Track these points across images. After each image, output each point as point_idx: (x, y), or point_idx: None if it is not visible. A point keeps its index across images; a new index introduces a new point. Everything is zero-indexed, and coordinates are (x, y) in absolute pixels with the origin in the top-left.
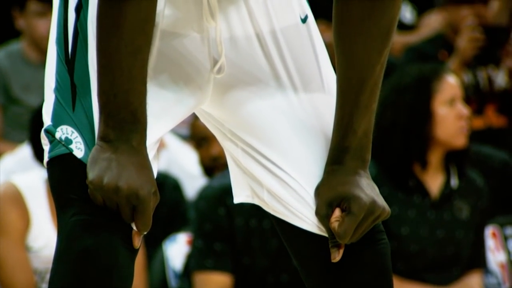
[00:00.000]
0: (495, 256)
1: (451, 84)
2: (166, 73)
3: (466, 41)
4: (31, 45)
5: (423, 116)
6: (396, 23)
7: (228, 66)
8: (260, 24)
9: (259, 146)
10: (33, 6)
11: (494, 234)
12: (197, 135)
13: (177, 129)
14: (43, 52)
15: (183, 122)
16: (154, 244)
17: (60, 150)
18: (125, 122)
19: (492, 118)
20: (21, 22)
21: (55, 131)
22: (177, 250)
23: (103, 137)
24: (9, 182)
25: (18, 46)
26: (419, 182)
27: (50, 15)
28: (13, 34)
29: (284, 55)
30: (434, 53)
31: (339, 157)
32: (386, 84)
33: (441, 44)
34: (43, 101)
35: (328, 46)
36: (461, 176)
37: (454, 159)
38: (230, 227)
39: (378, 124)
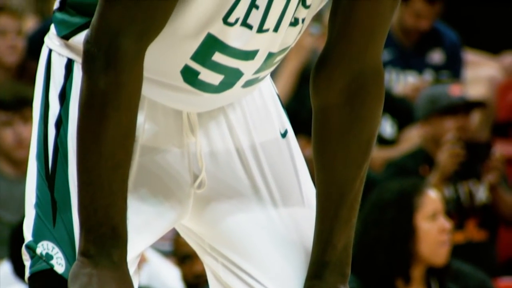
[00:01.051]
0: None
1: (432, 198)
2: (146, 187)
3: (447, 156)
4: (4, 160)
5: (406, 232)
6: (376, 137)
7: (209, 180)
8: (240, 139)
9: (240, 261)
10: None
11: None
12: (180, 252)
13: (158, 245)
14: (16, 164)
15: (164, 239)
16: None
17: (41, 265)
18: (105, 237)
19: (473, 232)
20: None
21: (36, 247)
22: None
23: (84, 252)
24: None
25: None
26: None
27: (16, 124)
28: None
29: (264, 169)
30: (415, 167)
31: (319, 272)
32: (368, 201)
33: (422, 158)
34: (22, 216)
35: (308, 162)
36: None
37: (435, 273)
38: None
39: (361, 240)
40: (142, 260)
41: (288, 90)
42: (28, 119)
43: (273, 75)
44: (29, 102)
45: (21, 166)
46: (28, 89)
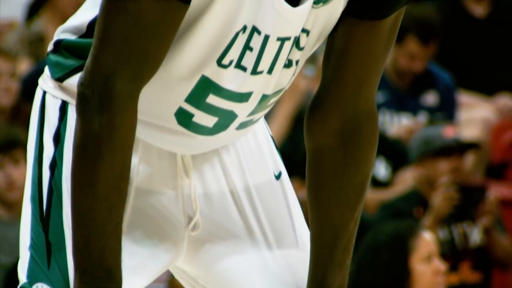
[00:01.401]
0: None
1: (427, 241)
2: (141, 229)
3: (441, 199)
4: None
5: (401, 274)
6: (370, 180)
7: (203, 222)
8: (234, 180)
9: None
10: None
11: None
12: None
13: (153, 287)
14: (9, 206)
15: (158, 280)
16: None
17: None
18: (100, 280)
19: (467, 274)
20: None
21: None
22: None
23: None
24: None
25: None
26: None
27: (6, 166)
28: None
29: (258, 211)
30: (409, 210)
31: None
32: (362, 243)
33: (416, 200)
34: (16, 258)
35: (302, 204)
36: None
37: None
38: None
39: (355, 282)
40: None
41: (282, 132)
42: (18, 161)
43: (268, 117)
44: (19, 144)
45: (13, 208)
46: (18, 131)
